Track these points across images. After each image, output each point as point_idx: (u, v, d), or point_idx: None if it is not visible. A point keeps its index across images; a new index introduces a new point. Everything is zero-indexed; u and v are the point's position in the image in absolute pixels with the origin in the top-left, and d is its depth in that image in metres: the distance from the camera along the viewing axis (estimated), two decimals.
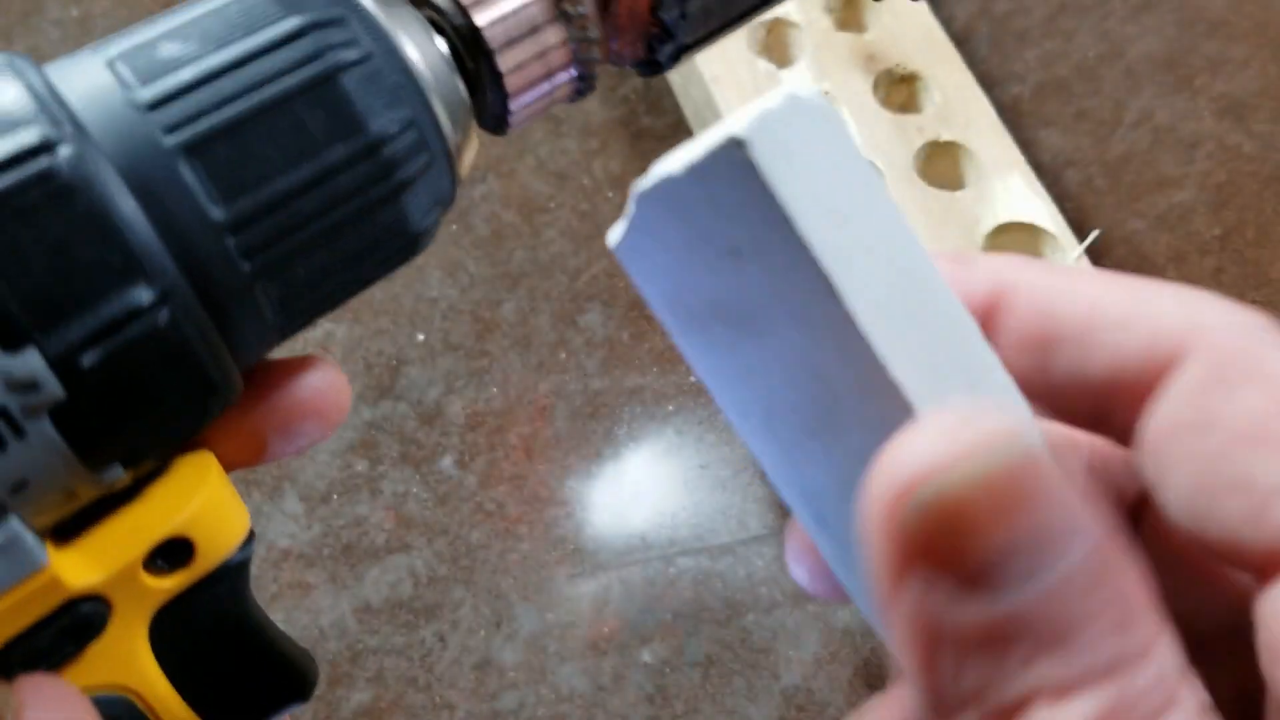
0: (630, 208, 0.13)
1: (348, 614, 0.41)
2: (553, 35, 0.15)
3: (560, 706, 0.39)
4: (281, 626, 0.41)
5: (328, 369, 0.16)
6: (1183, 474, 0.12)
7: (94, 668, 0.13)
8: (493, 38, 0.14)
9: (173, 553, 0.14)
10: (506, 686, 0.40)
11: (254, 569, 0.44)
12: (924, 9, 0.53)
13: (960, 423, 0.11)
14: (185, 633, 0.14)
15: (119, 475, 0.13)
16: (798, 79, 0.12)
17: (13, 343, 0.11)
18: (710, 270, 0.12)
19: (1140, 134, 0.54)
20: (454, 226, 0.52)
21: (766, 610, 0.41)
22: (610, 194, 0.52)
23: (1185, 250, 0.50)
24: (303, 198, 0.13)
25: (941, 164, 0.49)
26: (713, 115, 0.50)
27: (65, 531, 0.13)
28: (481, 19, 0.14)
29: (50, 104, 0.12)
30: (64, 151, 0.11)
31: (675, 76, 0.55)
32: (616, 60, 0.16)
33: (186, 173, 0.12)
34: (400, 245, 0.14)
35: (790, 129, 0.12)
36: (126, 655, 0.14)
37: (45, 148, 0.11)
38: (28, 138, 0.11)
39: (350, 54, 0.13)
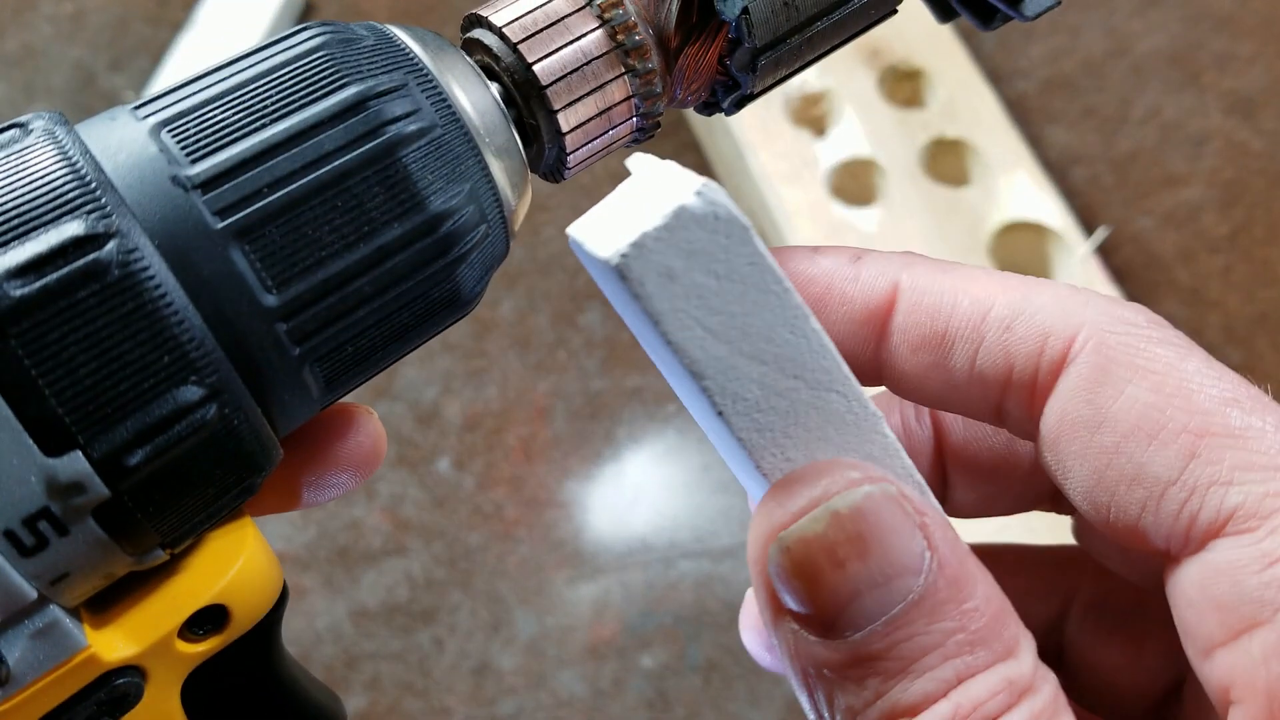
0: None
1: (344, 618, 0.40)
2: (617, 91, 0.14)
3: (559, 712, 0.39)
4: None
5: (366, 422, 0.16)
6: (1082, 469, 0.13)
7: None
8: (555, 95, 0.14)
9: (208, 619, 0.13)
10: (505, 692, 0.39)
11: None
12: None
13: (804, 481, 0.13)
14: (218, 691, 0.14)
15: (159, 556, 0.12)
16: (682, 175, 0.11)
17: (56, 447, 0.11)
18: (629, 315, 0.14)
19: (1147, 131, 0.54)
20: None
21: None
22: (610, 190, 0.52)
23: (1194, 248, 0.50)
24: (358, 280, 0.12)
25: (947, 160, 0.48)
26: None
27: (101, 602, 0.13)
28: (543, 74, 0.14)
29: (94, 185, 0.11)
30: (111, 244, 0.11)
31: None
32: (678, 105, 0.16)
33: (238, 258, 0.11)
34: (451, 313, 0.14)
35: (669, 244, 0.12)
36: (161, 719, 0.13)
37: (92, 240, 0.10)
38: (73, 229, 0.10)
39: (411, 126, 0.12)
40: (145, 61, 0.56)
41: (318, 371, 0.13)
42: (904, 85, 0.51)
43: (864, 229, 0.44)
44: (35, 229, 0.10)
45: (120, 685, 0.13)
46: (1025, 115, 0.54)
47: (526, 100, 0.14)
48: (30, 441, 0.10)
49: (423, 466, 0.44)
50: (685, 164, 0.53)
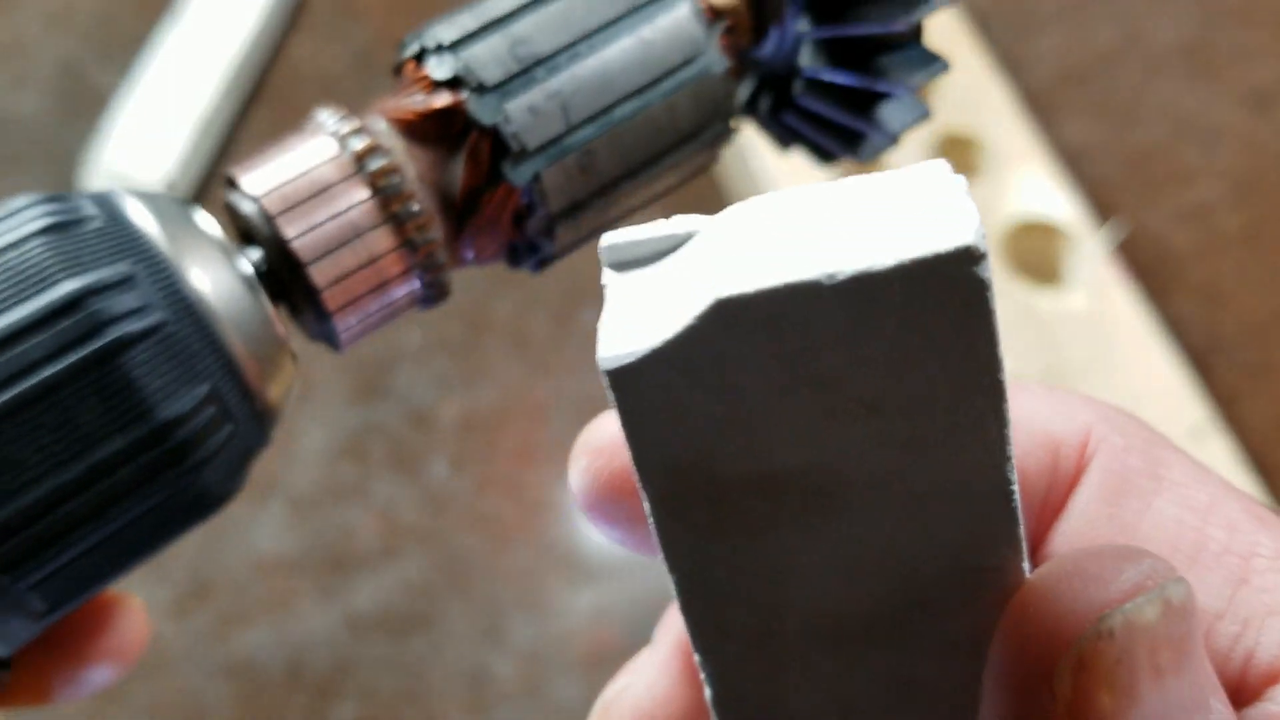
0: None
1: (337, 624, 0.40)
2: (394, 265, 0.13)
3: (557, 719, 0.38)
4: (268, 637, 0.40)
5: (123, 615, 0.14)
6: None
7: None
8: (318, 272, 0.12)
9: None
10: (501, 699, 0.39)
11: (240, 577, 0.43)
12: None
13: (1124, 557, 0.10)
14: None
15: None
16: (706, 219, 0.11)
17: None
18: (780, 424, 0.10)
19: (1161, 124, 0.53)
20: None
21: None
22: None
23: (1207, 245, 0.49)
24: (71, 501, 0.11)
25: (957, 153, 0.47)
26: None
27: None
28: (289, 229, 0.12)
29: None
30: None
31: None
32: (476, 264, 0.14)
33: None
34: (200, 514, 0.13)
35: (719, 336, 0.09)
36: None
37: None
38: None
39: (137, 325, 0.11)
40: (134, 54, 0.55)
41: (34, 597, 0.11)
42: None
43: None
44: None
45: None
46: (1037, 108, 0.53)
47: (290, 271, 0.12)
48: None
49: (418, 470, 0.43)
50: None
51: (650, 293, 0.10)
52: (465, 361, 0.46)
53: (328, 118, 0.13)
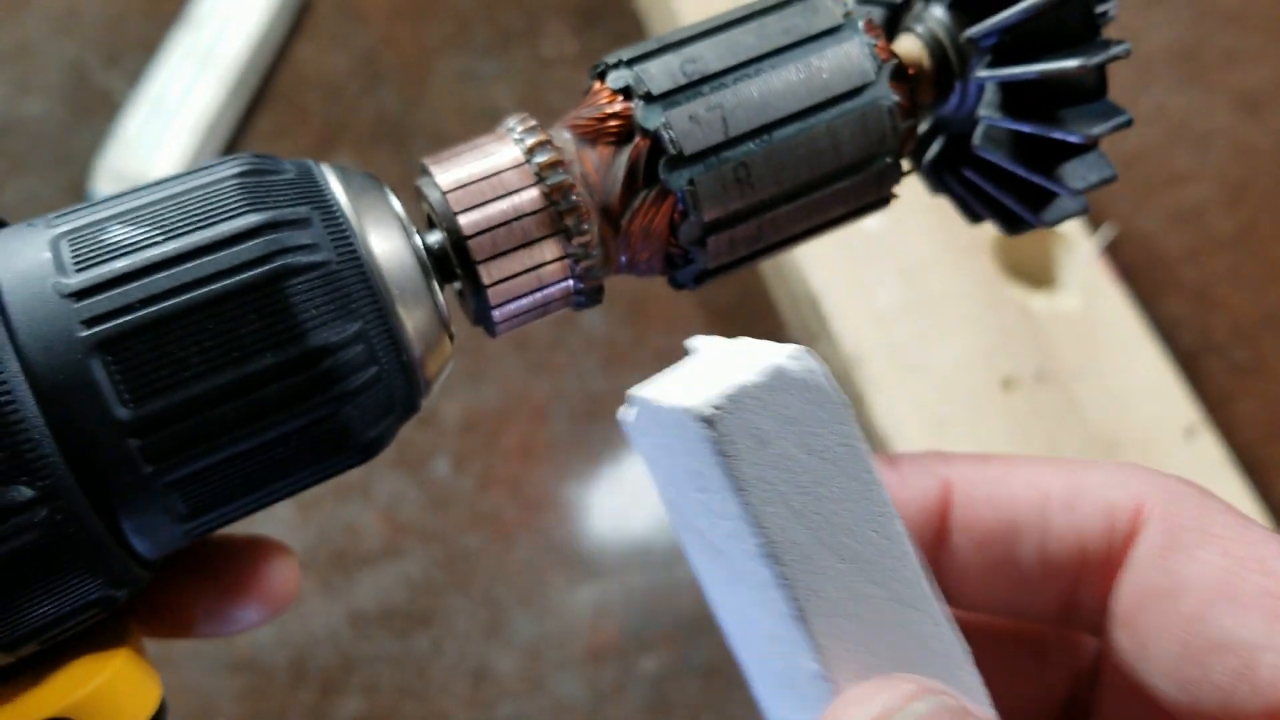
0: (625, 411, 0.13)
1: (341, 621, 0.40)
2: (548, 250, 0.14)
3: (559, 715, 0.38)
4: (273, 634, 0.40)
5: (281, 561, 0.15)
6: (1165, 642, 0.13)
7: None
8: (478, 247, 0.13)
9: None
10: (503, 695, 0.39)
11: None
12: None
13: (883, 689, 0.11)
14: None
15: (2, 659, 0.12)
16: (768, 345, 0.11)
17: None
18: (687, 492, 0.13)
19: (1154, 128, 0.53)
20: None
21: None
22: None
23: (1200, 247, 0.49)
24: (220, 406, 0.12)
25: None
26: None
27: None
28: (467, 223, 0.13)
29: None
30: None
31: None
32: (633, 272, 0.15)
33: (97, 369, 0.11)
34: (343, 455, 0.13)
35: (763, 405, 0.12)
36: None
37: None
38: None
39: (303, 258, 0.12)
40: (140, 57, 0.56)
41: (176, 497, 0.12)
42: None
43: (868, 229, 0.44)
44: None
45: None
46: None
47: (462, 261, 0.14)
48: None
49: (420, 468, 0.44)
50: None
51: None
52: (467, 363, 0.46)
53: (516, 124, 0.14)
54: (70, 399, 0.11)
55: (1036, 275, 0.45)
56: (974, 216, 0.17)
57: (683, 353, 0.14)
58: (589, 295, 0.15)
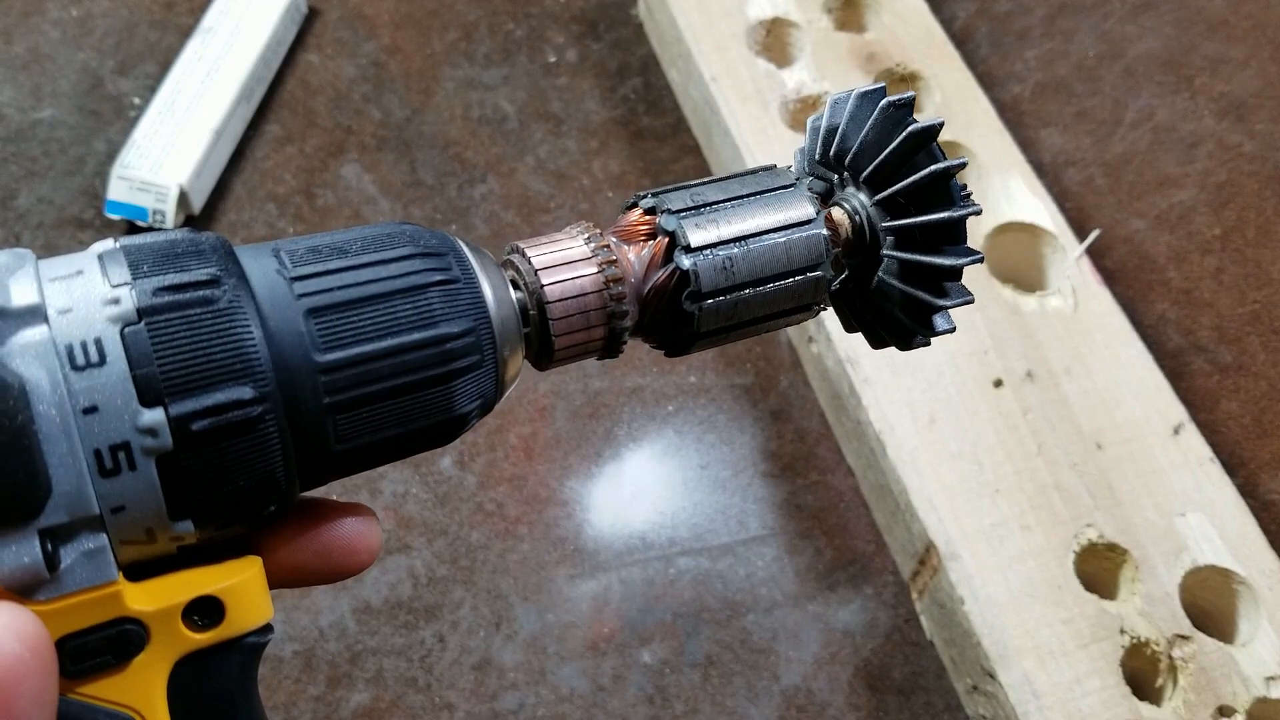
0: None
1: (347, 614, 0.41)
2: (598, 317, 0.20)
3: (560, 707, 0.39)
4: (281, 627, 0.41)
5: (367, 517, 0.19)
6: None
7: (120, 686, 0.16)
8: (554, 312, 0.19)
9: (207, 612, 0.17)
10: (506, 687, 0.40)
11: None
12: (923, 9, 0.53)
13: None
14: (195, 689, 0.17)
15: (189, 530, 0.16)
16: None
17: (150, 401, 0.15)
18: None
19: (1140, 134, 0.54)
20: (453, 226, 0.52)
21: (766, 611, 0.41)
22: (610, 193, 0.52)
23: (1186, 249, 0.50)
24: (380, 361, 0.17)
25: None
26: (712, 115, 0.50)
27: (135, 574, 0.16)
28: (551, 298, 0.19)
29: (226, 263, 0.17)
30: (225, 288, 0.16)
31: (675, 75, 0.55)
32: (640, 333, 0.21)
33: (307, 326, 0.17)
34: (443, 420, 0.18)
35: None
36: (147, 687, 0.16)
37: (213, 282, 0.16)
38: (202, 274, 0.16)
39: (440, 276, 0.18)
40: (152, 66, 0.57)
41: (339, 424, 0.17)
42: (899, 89, 0.51)
43: None
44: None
45: (129, 629, 0.16)
46: (1019, 119, 0.55)
47: (534, 303, 0.20)
48: (134, 390, 0.15)
49: (425, 465, 0.44)
50: (685, 167, 0.54)
51: None
52: None
53: (581, 230, 0.20)
54: (286, 341, 0.16)
55: (1027, 277, 0.46)
56: (849, 329, 0.23)
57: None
58: (613, 351, 0.21)
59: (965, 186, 0.20)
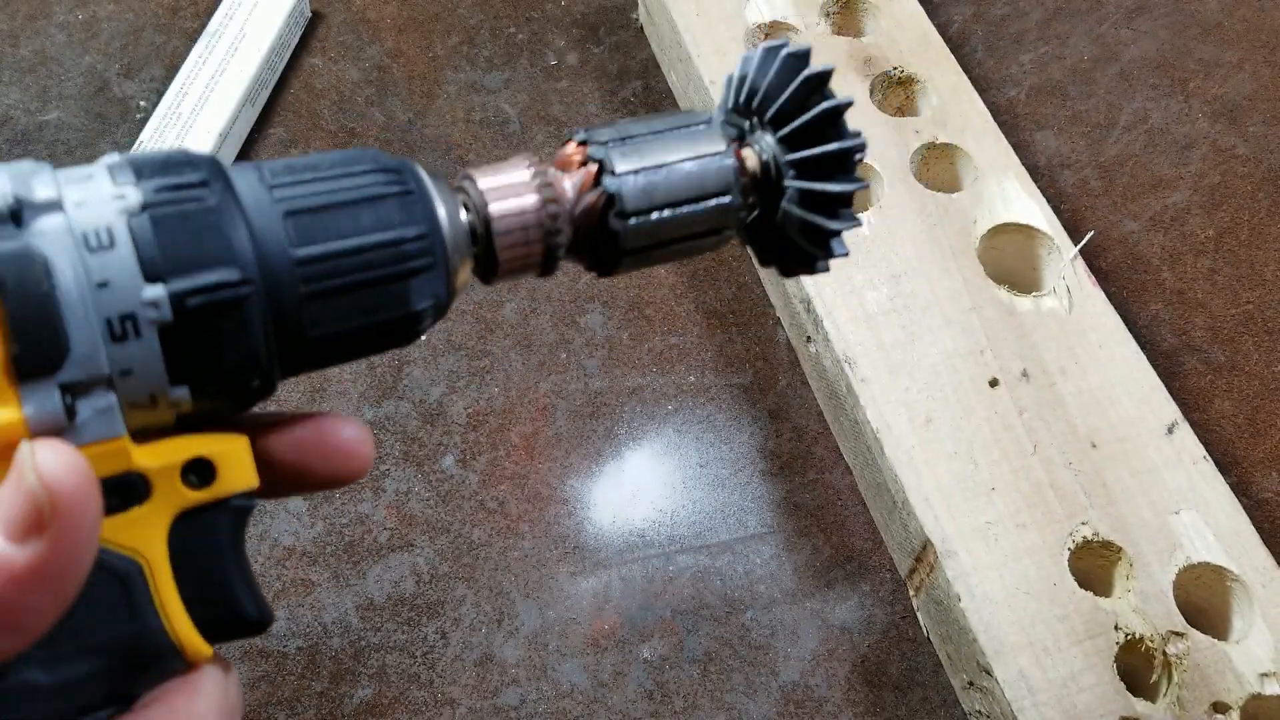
0: None
1: (350, 611, 0.41)
2: (535, 234, 0.22)
3: (561, 703, 0.39)
4: (285, 623, 0.41)
5: (363, 428, 0.22)
6: None
7: (126, 529, 0.19)
8: (497, 227, 0.22)
9: (202, 473, 0.19)
10: (508, 683, 0.40)
11: (258, 567, 0.44)
12: (920, 13, 0.53)
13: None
14: (192, 543, 0.19)
15: (185, 396, 0.19)
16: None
17: (153, 278, 0.18)
18: None
19: (1134, 136, 0.55)
20: None
21: (765, 607, 0.42)
22: None
23: (1180, 251, 0.51)
24: (347, 257, 0.20)
25: (938, 166, 0.49)
26: None
27: (139, 438, 0.19)
28: (495, 210, 0.22)
29: (216, 172, 0.19)
30: (213, 190, 0.19)
31: (675, 79, 0.56)
32: (571, 255, 0.23)
33: (284, 225, 0.19)
34: (401, 316, 0.21)
35: None
36: (149, 532, 0.19)
37: (204, 184, 0.19)
38: (194, 178, 0.19)
39: (398, 189, 0.20)
40: (157, 69, 0.57)
41: (313, 312, 0.20)
42: (896, 93, 0.52)
43: (858, 232, 0.45)
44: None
45: (134, 479, 0.19)
46: (1014, 122, 0.55)
47: (481, 222, 0.22)
48: (139, 270, 0.18)
49: (428, 464, 0.45)
50: None
51: None
52: (473, 361, 0.48)
53: (524, 159, 0.23)
54: (267, 237, 0.19)
55: (1022, 278, 0.46)
56: (763, 263, 0.25)
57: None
58: (550, 267, 0.23)
59: (860, 135, 0.23)
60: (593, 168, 0.22)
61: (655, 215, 0.22)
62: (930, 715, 0.39)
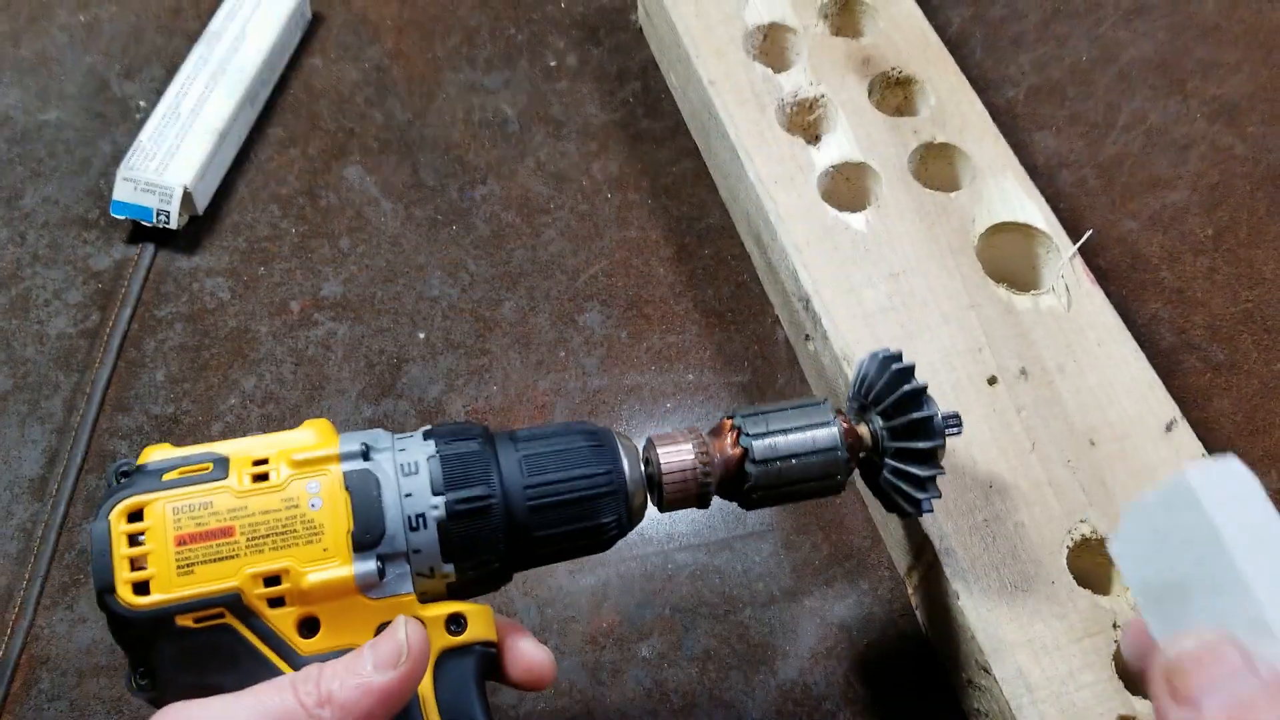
0: (1121, 521, 0.26)
1: None
2: (691, 475, 0.32)
3: (559, 700, 0.40)
4: None
5: (551, 663, 0.30)
6: None
7: None
8: (667, 479, 0.32)
9: (458, 624, 0.29)
10: None
11: None
12: (918, 14, 0.54)
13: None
14: (448, 675, 0.28)
15: (450, 570, 0.28)
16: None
17: (437, 493, 0.28)
18: (1170, 561, 0.25)
19: (1133, 136, 0.55)
20: (454, 227, 0.52)
21: (763, 605, 0.42)
22: (609, 195, 0.53)
23: (1178, 250, 0.51)
24: (558, 484, 0.29)
25: (937, 166, 0.49)
26: (710, 118, 0.51)
27: (421, 599, 0.28)
28: (666, 467, 0.32)
29: (485, 433, 0.31)
30: (478, 441, 0.30)
31: (673, 79, 0.56)
32: (720, 492, 0.33)
33: (522, 465, 0.30)
34: (593, 526, 0.30)
35: (1224, 480, 0.24)
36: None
37: (472, 438, 0.30)
38: (470, 433, 0.30)
39: (592, 442, 0.31)
40: (158, 69, 0.58)
41: (533, 516, 0.29)
42: (895, 93, 0.52)
43: (856, 231, 0.46)
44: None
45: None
46: (1013, 122, 0.55)
47: (659, 475, 0.32)
48: (430, 488, 0.28)
49: None
50: (684, 169, 0.55)
51: None
52: (472, 360, 0.48)
53: (690, 433, 0.33)
54: (508, 472, 0.30)
55: (1021, 277, 0.46)
56: (893, 512, 0.35)
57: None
58: (704, 498, 0.32)
59: (954, 415, 0.33)
60: (735, 433, 0.32)
61: (779, 464, 0.32)
62: (928, 713, 0.39)
